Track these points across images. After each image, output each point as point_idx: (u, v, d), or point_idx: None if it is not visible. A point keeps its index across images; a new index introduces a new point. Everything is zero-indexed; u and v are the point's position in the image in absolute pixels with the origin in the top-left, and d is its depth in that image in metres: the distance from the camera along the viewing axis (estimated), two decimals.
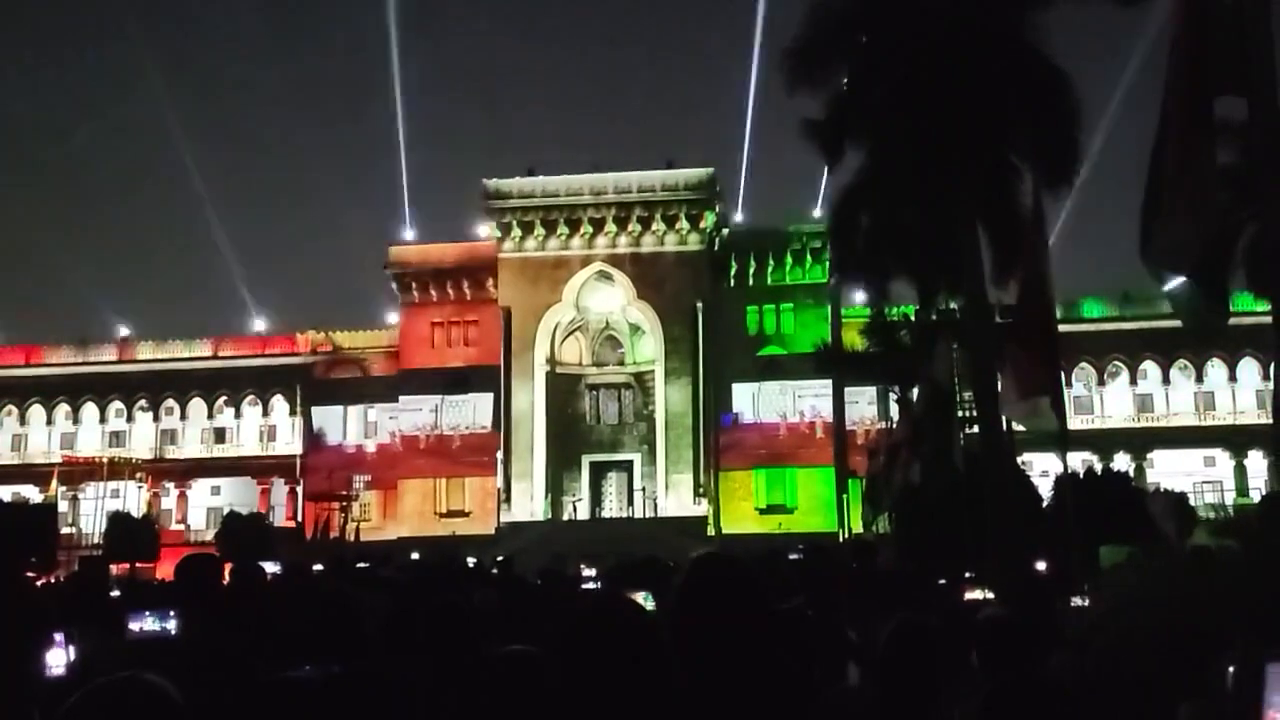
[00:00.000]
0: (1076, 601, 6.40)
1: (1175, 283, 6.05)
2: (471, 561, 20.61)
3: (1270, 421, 34.35)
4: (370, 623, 4.80)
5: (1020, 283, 12.27)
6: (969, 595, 8.08)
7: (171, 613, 5.50)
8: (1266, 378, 53.10)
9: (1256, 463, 55.75)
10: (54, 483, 60.09)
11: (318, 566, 17.57)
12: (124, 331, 70.27)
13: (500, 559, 19.94)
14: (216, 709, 2.94)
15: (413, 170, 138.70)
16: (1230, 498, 52.03)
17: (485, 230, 64.03)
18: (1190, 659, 3.60)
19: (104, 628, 5.33)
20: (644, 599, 6.12)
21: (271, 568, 9.43)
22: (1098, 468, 37.28)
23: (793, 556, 14.19)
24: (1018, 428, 18.82)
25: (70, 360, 67.57)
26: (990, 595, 7.82)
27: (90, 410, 67.08)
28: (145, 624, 5.49)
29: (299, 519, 60.59)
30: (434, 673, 3.91)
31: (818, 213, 58.21)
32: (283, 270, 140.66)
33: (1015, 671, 3.55)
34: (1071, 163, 18.90)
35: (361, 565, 16.48)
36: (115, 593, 14.13)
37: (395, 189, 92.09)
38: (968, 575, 10.15)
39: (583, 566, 17.92)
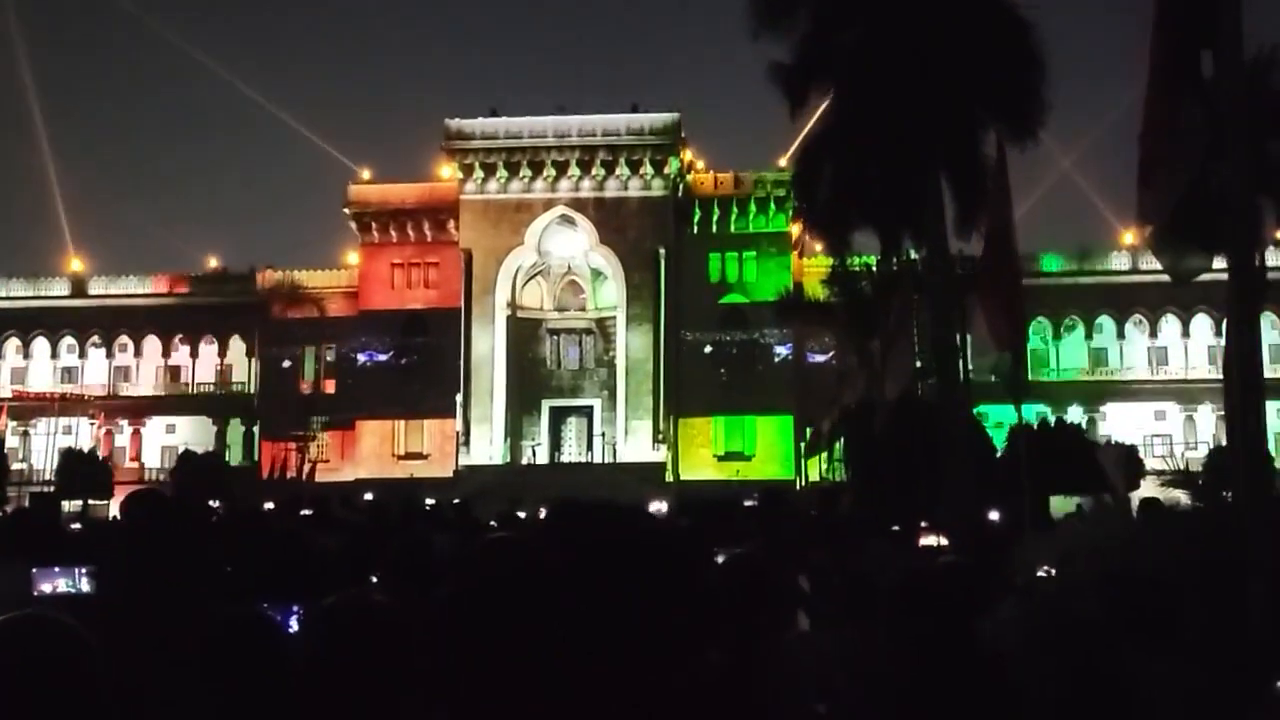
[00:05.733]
0: (1042, 573, 6.25)
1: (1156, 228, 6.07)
2: (430, 503, 20.55)
3: (1220, 377, 34.95)
4: (321, 562, 4.77)
5: (985, 235, 12.27)
6: (924, 541, 8.18)
7: (83, 570, 5.04)
8: (1219, 334, 53.94)
9: (1205, 417, 56.87)
10: (4, 418, 59.28)
11: (269, 505, 17.45)
12: (77, 265, 69.00)
13: (457, 501, 19.93)
14: (142, 645, 2.89)
15: (374, 108, 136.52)
16: (1179, 451, 53.09)
17: (447, 171, 63.29)
18: (1136, 603, 3.65)
19: (48, 562, 5.21)
20: None
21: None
22: (1051, 419, 37.83)
23: (748, 503, 14.26)
24: (975, 378, 18.98)
25: (22, 294, 66.30)
26: (944, 541, 7.92)
27: (42, 345, 66.00)
28: (58, 585, 4.99)
29: (255, 459, 60.25)
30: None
31: (782, 161, 58.05)
32: (242, 207, 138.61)
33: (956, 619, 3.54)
34: (1036, 115, 18.89)
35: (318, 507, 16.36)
36: (76, 525, 14.00)
37: (357, 126, 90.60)
38: (924, 524, 10.28)
39: (542, 510, 17.94)
